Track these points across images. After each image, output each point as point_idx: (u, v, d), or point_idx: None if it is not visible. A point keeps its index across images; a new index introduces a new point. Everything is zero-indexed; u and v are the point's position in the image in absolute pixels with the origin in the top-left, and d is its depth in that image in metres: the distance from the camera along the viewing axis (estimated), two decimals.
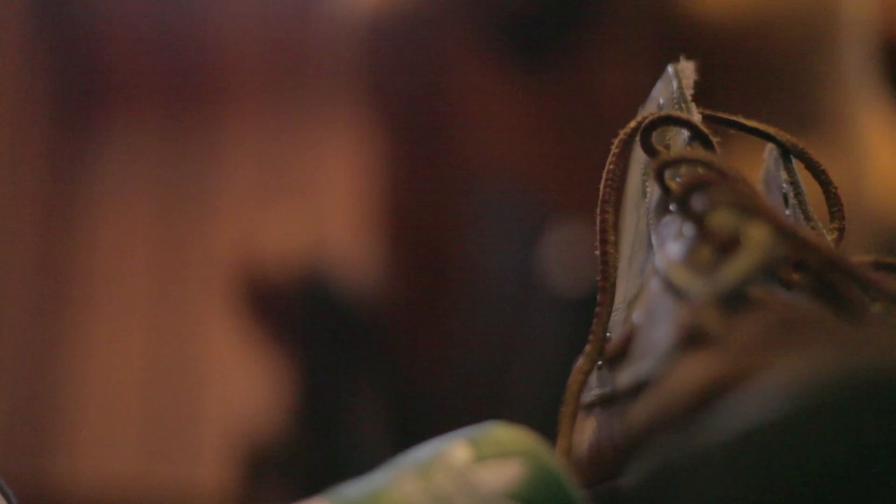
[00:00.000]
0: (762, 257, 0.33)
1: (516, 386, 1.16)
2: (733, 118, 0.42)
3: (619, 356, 0.38)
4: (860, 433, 0.26)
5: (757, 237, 0.34)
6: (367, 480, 0.34)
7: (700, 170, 0.37)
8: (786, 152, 0.41)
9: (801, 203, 0.40)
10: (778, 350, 0.29)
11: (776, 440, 0.26)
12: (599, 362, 0.39)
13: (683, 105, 0.41)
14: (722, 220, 0.35)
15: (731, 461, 0.27)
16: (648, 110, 0.43)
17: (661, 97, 0.42)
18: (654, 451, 0.30)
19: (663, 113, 0.41)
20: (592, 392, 0.39)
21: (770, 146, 0.42)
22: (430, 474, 0.33)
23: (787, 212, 0.40)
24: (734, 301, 0.32)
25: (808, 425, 0.26)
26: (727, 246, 0.34)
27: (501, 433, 0.34)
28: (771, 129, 0.42)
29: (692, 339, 0.32)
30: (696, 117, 0.40)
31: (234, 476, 1.28)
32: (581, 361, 0.39)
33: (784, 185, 0.41)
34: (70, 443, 2.65)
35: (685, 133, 0.40)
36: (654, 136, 0.41)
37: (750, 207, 0.35)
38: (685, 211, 0.36)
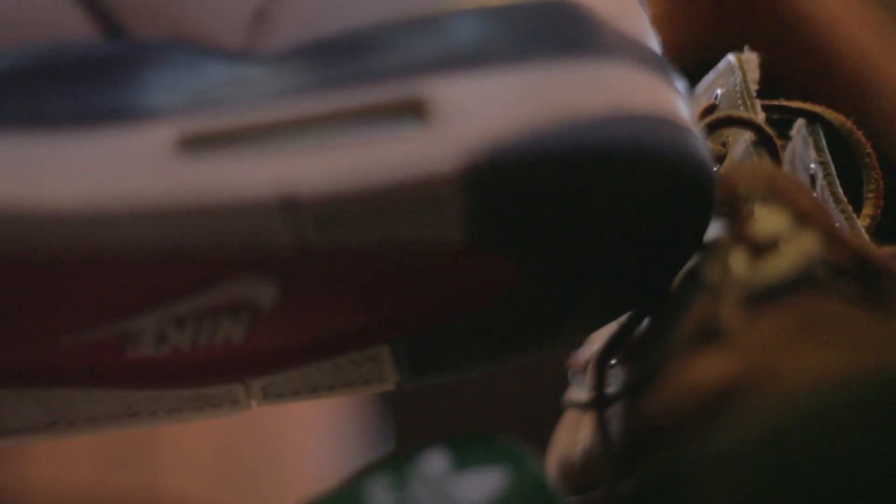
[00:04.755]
0: (804, 265, 0.33)
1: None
2: (774, 103, 0.42)
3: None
4: (887, 435, 0.26)
5: (804, 245, 0.34)
6: (336, 492, 0.34)
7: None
8: (814, 131, 0.41)
9: (831, 184, 0.40)
10: (800, 347, 0.29)
11: (797, 442, 0.26)
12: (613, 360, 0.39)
13: (748, 102, 0.41)
14: (769, 222, 0.35)
15: (747, 464, 0.27)
16: (703, 103, 0.43)
17: (717, 88, 0.42)
18: (663, 454, 0.30)
19: (725, 113, 0.41)
20: (588, 392, 0.39)
21: (798, 124, 0.42)
22: (405, 485, 0.33)
23: (815, 193, 0.40)
24: (759, 299, 0.32)
25: (832, 427, 0.26)
26: (766, 247, 0.34)
27: (483, 440, 0.34)
28: (818, 109, 0.42)
29: (707, 334, 0.32)
30: (761, 117, 0.40)
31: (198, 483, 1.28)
32: None
33: (812, 164, 0.41)
34: (20, 448, 2.65)
35: (748, 134, 0.40)
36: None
37: (804, 214, 0.35)
38: (733, 214, 0.36)
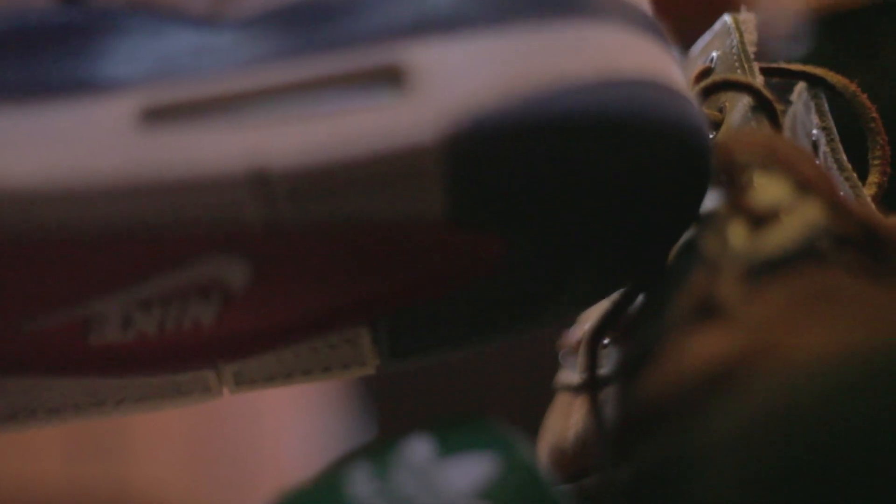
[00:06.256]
0: (807, 236, 0.33)
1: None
2: (774, 66, 0.42)
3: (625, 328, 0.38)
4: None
5: (806, 215, 0.34)
6: (316, 482, 0.34)
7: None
8: (816, 95, 0.41)
9: (834, 151, 0.40)
10: (803, 323, 0.29)
11: (802, 423, 0.26)
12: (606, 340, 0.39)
13: (746, 65, 0.41)
14: (770, 191, 0.35)
15: (750, 448, 0.27)
16: (697, 66, 0.42)
17: (713, 50, 0.42)
18: (660, 438, 0.30)
19: (721, 77, 0.40)
20: (580, 373, 0.39)
21: (799, 88, 0.42)
22: (388, 473, 0.33)
23: (817, 161, 0.40)
24: (759, 272, 0.32)
25: (839, 406, 0.26)
26: (766, 217, 0.34)
27: (469, 424, 0.33)
28: (820, 71, 0.42)
29: (705, 310, 0.32)
30: (760, 80, 0.40)
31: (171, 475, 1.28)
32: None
33: (815, 130, 0.40)
34: None
35: (746, 99, 0.40)
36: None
37: (806, 182, 0.35)
38: (731, 182, 0.36)
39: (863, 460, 0.26)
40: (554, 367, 0.45)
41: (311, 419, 2.05)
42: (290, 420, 2.09)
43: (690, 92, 0.35)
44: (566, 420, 0.40)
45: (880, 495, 0.26)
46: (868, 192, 0.40)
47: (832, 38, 0.59)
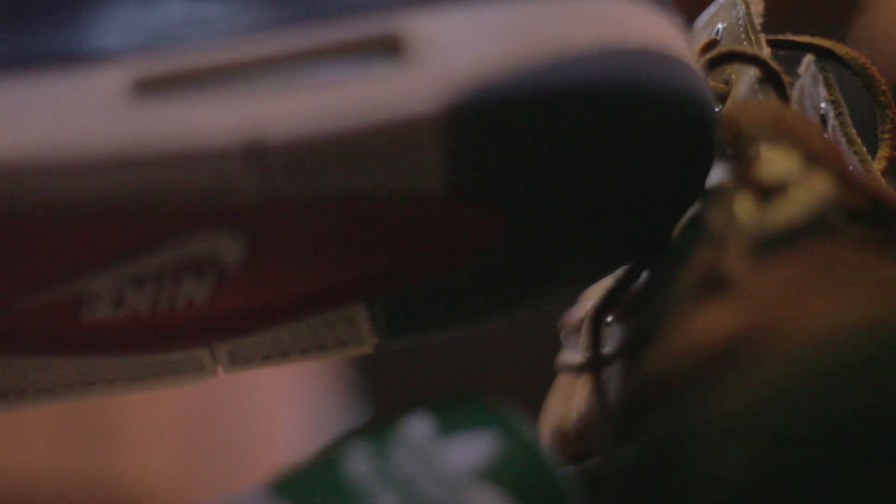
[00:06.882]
0: (816, 209, 0.33)
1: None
2: (781, 37, 0.42)
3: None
4: None
5: (815, 187, 0.34)
6: (312, 460, 0.34)
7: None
8: (824, 67, 0.41)
9: (843, 124, 0.40)
10: (812, 298, 0.29)
11: (810, 400, 0.26)
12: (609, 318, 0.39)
13: (752, 36, 0.40)
14: (777, 164, 0.35)
15: (757, 426, 0.27)
16: (703, 38, 0.42)
17: (719, 22, 0.42)
18: (665, 417, 0.30)
19: (727, 48, 0.40)
20: (583, 353, 0.39)
21: (807, 60, 0.42)
22: (386, 452, 0.33)
23: (826, 134, 0.39)
24: (767, 246, 0.32)
25: (848, 383, 0.26)
26: (774, 190, 0.34)
27: (470, 403, 0.33)
28: (828, 43, 0.42)
29: (711, 285, 0.32)
30: (766, 52, 0.40)
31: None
32: None
33: (823, 103, 0.41)
34: None
35: (753, 71, 0.40)
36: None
37: (815, 155, 0.35)
38: (738, 155, 0.36)
39: (870, 435, 0.26)
40: (555, 346, 0.45)
41: (307, 399, 2.05)
42: (287, 400, 2.09)
43: (696, 63, 0.35)
44: (568, 401, 0.40)
45: (888, 471, 0.26)
46: (877, 165, 0.40)
47: None
